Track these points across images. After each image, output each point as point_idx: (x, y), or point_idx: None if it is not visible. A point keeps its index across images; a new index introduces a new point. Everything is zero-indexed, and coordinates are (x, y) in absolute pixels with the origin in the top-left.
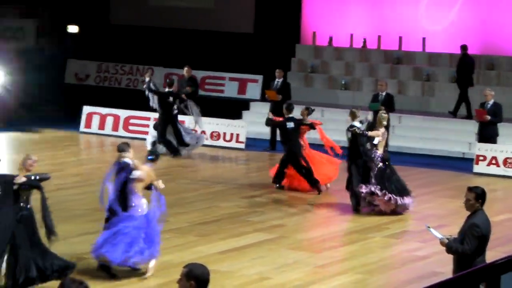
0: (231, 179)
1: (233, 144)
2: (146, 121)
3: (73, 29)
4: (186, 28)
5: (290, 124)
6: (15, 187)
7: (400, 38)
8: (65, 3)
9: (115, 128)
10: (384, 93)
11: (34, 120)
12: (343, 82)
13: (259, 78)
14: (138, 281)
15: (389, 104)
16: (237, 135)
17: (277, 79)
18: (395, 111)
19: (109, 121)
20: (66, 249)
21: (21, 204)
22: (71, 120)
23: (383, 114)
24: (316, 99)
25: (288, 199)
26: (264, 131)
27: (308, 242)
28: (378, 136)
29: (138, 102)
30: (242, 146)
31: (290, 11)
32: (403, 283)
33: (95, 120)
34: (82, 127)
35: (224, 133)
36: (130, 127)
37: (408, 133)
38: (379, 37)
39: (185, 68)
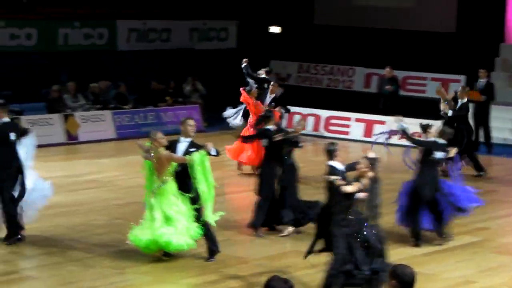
0: None
1: None
2: (347, 121)
3: (275, 29)
4: (387, 27)
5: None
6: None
7: None
8: (267, 4)
9: (316, 128)
10: None
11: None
12: None
13: (462, 78)
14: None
15: None
16: None
17: (480, 79)
18: None
19: (310, 120)
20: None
21: (285, 157)
22: None
23: None
24: None
25: (491, 202)
26: None
27: None
28: None
29: (339, 102)
30: None
31: (494, 9)
32: None
33: (297, 120)
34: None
35: None
36: (331, 127)
37: None
38: None
39: (387, 69)
